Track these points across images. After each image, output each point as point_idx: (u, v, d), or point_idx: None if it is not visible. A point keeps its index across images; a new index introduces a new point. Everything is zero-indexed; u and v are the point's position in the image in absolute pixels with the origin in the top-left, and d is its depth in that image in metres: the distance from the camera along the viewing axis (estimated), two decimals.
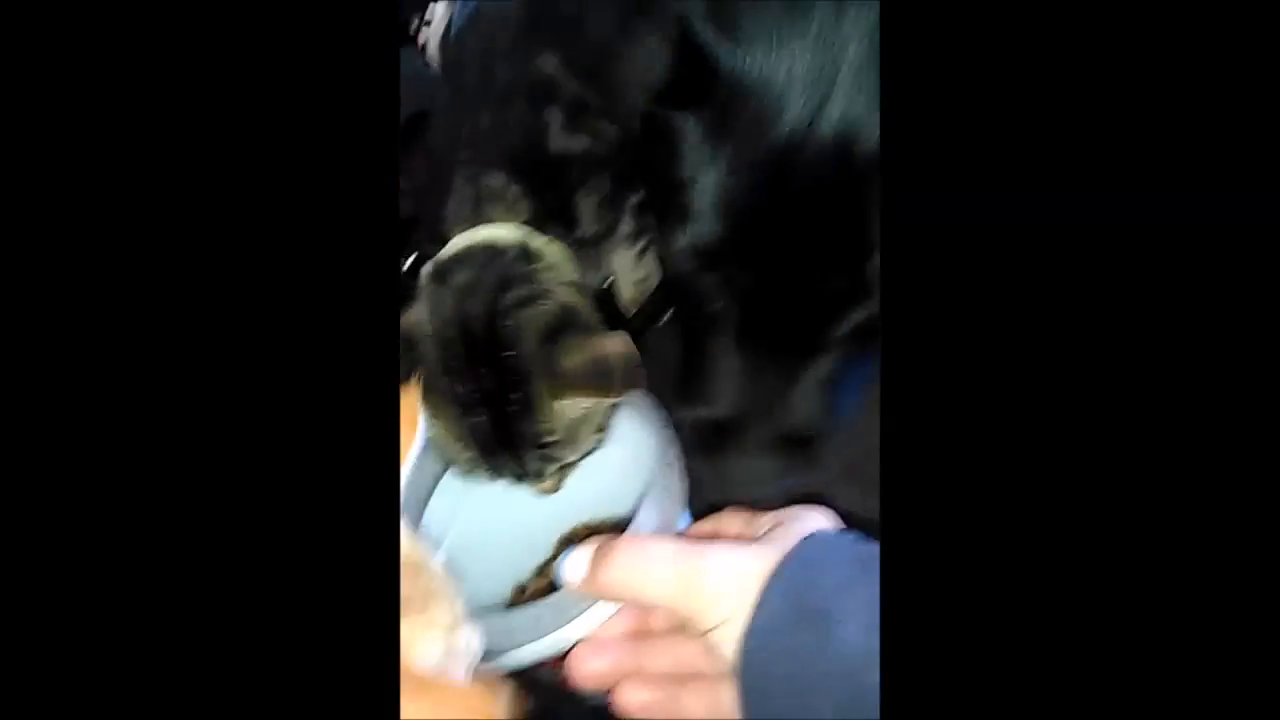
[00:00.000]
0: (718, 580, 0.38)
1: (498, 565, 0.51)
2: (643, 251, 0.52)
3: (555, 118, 0.49)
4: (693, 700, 0.42)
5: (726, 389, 0.46)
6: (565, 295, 0.46)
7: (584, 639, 0.44)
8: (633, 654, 0.44)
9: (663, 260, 0.49)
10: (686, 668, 0.43)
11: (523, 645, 0.44)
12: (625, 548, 0.41)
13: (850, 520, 0.43)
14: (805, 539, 0.39)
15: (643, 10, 0.41)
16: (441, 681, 0.39)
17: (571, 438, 0.46)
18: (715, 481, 0.47)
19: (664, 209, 0.43)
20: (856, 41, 0.37)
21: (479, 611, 0.43)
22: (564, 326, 0.45)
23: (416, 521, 0.51)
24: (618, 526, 0.49)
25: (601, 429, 0.48)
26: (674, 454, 0.48)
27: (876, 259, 0.40)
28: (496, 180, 0.49)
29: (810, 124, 0.37)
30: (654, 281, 0.54)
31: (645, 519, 0.45)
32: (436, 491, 0.53)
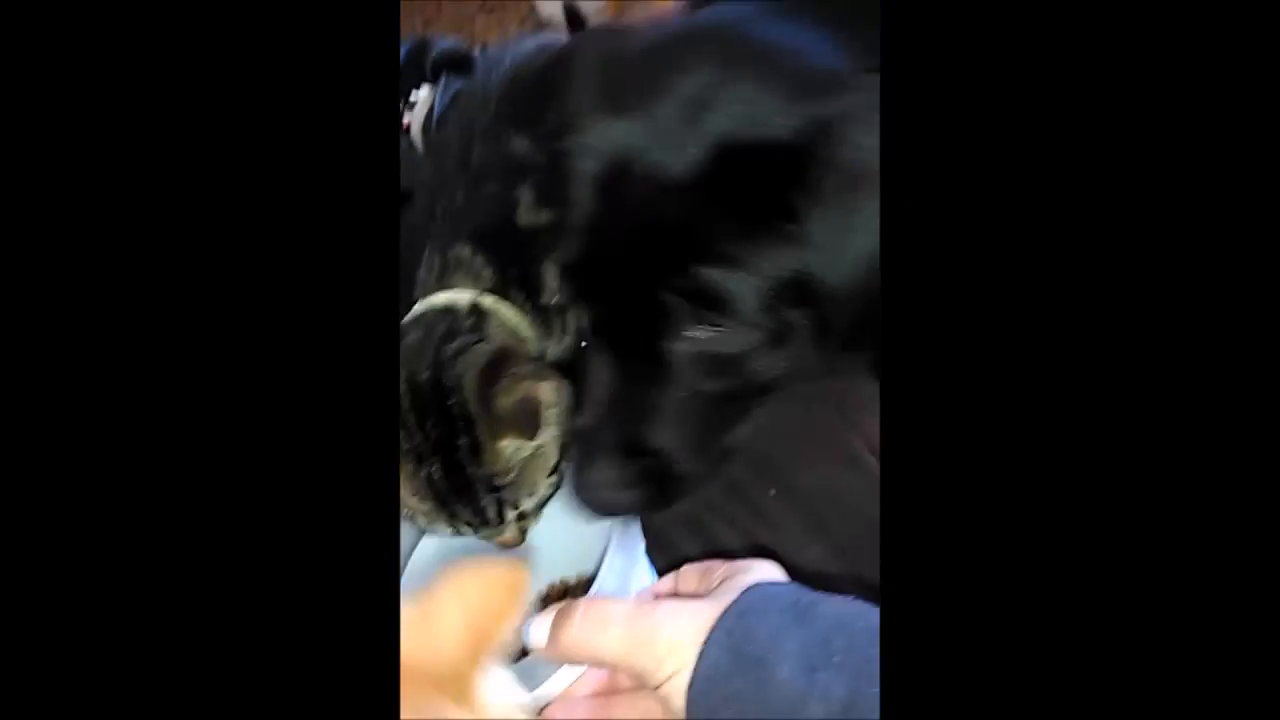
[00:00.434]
0: (666, 636, 0.40)
1: None
2: None
3: (526, 195, 0.52)
4: None
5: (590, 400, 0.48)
6: (503, 339, 0.49)
7: (555, 699, 0.46)
8: (601, 710, 0.45)
9: None
10: None
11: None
12: (581, 612, 0.43)
13: (797, 573, 0.44)
14: (745, 591, 0.40)
15: None
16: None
17: (524, 480, 0.48)
18: (572, 488, 0.50)
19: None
20: None
21: None
22: (500, 365, 0.47)
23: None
24: (589, 582, 0.50)
25: (555, 472, 0.50)
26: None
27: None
28: (464, 250, 0.52)
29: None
30: None
31: (606, 578, 0.46)
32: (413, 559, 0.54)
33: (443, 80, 0.68)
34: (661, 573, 0.50)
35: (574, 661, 0.45)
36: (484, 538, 0.50)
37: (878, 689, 0.35)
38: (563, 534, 0.53)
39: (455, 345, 0.48)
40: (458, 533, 0.50)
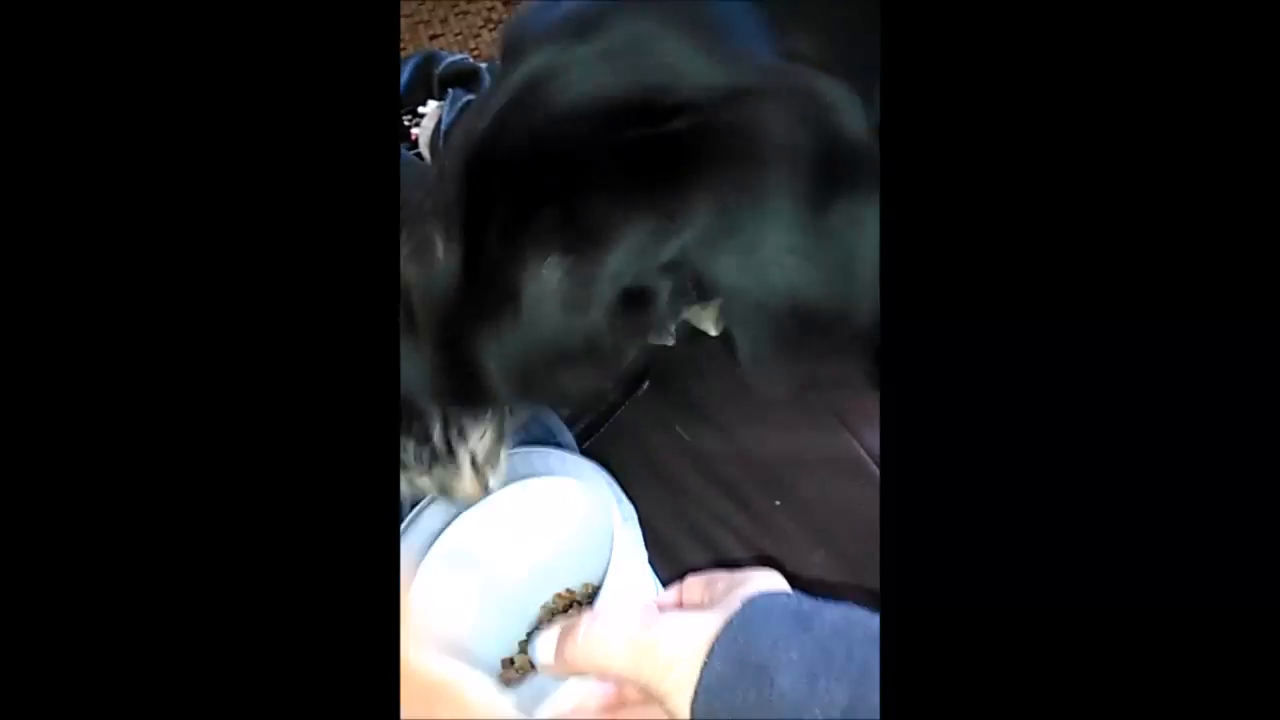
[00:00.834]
0: (670, 648, 0.40)
1: (485, 639, 0.53)
2: None
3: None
4: None
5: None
6: None
7: (564, 713, 0.46)
8: None
9: None
10: None
11: None
12: (585, 626, 0.43)
13: (800, 582, 0.45)
14: (747, 601, 0.40)
15: None
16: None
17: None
18: None
19: None
20: None
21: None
22: None
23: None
24: (593, 593, 0.51)
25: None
26: (633, 524, 0.50)
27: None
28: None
29: None
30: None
31: (611, 588, 0.47)
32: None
33: (450, 94, 0.69)
34: (666, 583, 0.50)
35: (581, 674, 0.45)
36: (445, 491, 0.50)
37: (878, 695, 0.35)
38: (567, 544, 0.53)
39: None
40: (413, 485, 0.50)
